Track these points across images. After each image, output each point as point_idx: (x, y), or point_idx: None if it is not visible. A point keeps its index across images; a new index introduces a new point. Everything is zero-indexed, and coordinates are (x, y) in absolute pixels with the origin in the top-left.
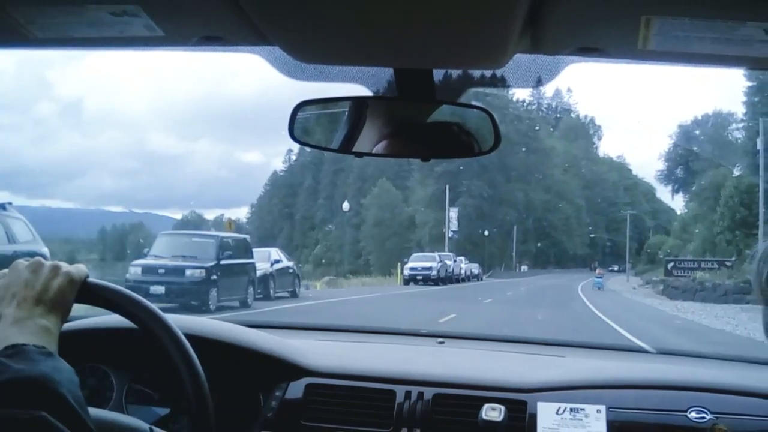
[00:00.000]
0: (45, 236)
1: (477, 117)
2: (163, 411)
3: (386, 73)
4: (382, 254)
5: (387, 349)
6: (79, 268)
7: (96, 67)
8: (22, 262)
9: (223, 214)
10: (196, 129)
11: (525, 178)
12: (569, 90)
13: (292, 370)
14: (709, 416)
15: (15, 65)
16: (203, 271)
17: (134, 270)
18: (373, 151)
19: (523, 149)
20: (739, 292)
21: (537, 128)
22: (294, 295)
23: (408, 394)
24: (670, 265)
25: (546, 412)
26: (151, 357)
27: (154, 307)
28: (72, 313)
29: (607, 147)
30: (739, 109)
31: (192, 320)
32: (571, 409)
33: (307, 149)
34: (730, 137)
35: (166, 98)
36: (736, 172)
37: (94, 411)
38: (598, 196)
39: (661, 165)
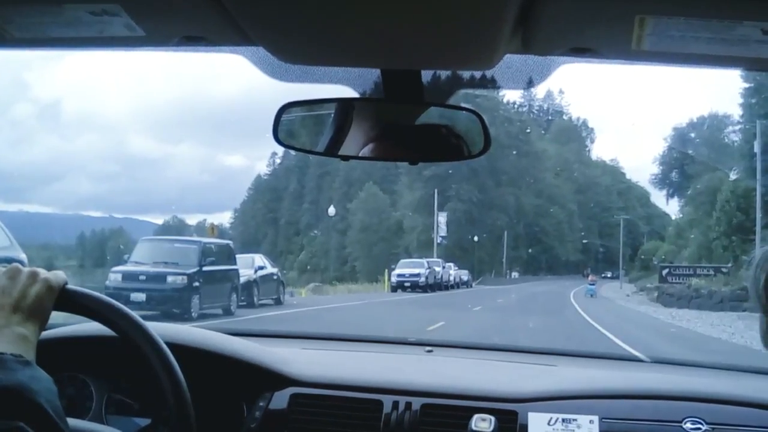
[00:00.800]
0: (22, 242)
1: (466, 119)
2: (144, 421)
3: (373, 74)
4: (369, 260)
5: (374, 358)
6: (58, 275)
7: (75, 68)
8: None
9: (205, 219)
10: (177, 132)
11: (516, 182)
12: (561, 91)
13: (276, 379)
14: (705, 427)
15: None
16: (185, 277)
17: (114, 277)
18: (360, 154)
19: (514, 152)
20: (735, 300)
21: (528, 131)
22: (278, 302)
23: (395, 404)
24: (664, 272)
25: (537, 423)
26: (132, 366)
27: (135, 314)
28: (50, 321)
29: (600, 150)
30: (736, 111)
31: (173, 328)
32: (563, 420)
33: (292, 152)
34: (726, 140)
35: (147, 100)
36: (733, 176)
37: (73, 422)
38: (591, 200)
39: (656, 168)
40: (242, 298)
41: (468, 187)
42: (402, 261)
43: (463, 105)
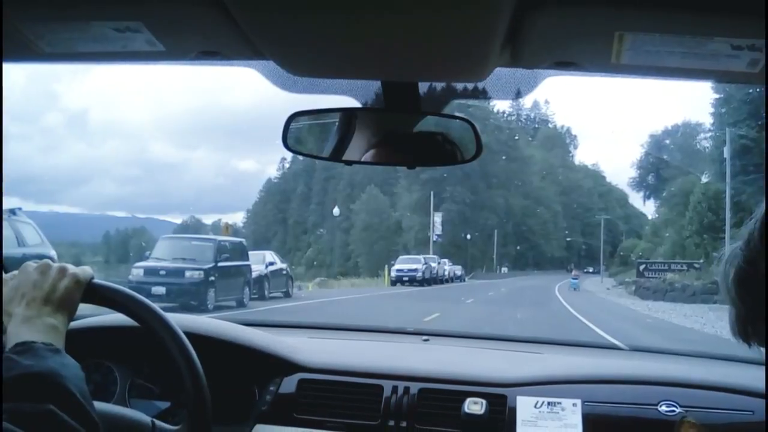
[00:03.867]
0: (53, 240)
1: (460, 127)
2: (164, 405)
3: (374, 86)
4: (370, 257)
5: (375, 347)
6: (85, 270)
7: (100, 80)
8: (31, 264)
9: (220, 219)
10: (194, 138)
11: (505, 185)
12: (547, 102)
13: (285, 366)
14: (678, 410)
15: (24, 79)
16: (202, 272)
17: (136, 272)
18: (362, 159)
19: (504, 158)
20: (707, 293)
21: (516, 138)
22: (287, 295)
23: (395, 388)
24: (641, 267)
25: (525, 406)
26: (153, 354)
27: (156, 306)
28: (78, 312)
29: (583, 155)
30: (707, 120)
31: (191, 319)
32: (549, 403)
33: (300, 158)
34: (698, 146)
35: (166, 109)
36: (704, 179)
37: (99, 405)
38: (574, 201)
39: (634, 172)
40: (254, 291)
41: (461, 190)
42: (401, 257)
43: (456, 114)
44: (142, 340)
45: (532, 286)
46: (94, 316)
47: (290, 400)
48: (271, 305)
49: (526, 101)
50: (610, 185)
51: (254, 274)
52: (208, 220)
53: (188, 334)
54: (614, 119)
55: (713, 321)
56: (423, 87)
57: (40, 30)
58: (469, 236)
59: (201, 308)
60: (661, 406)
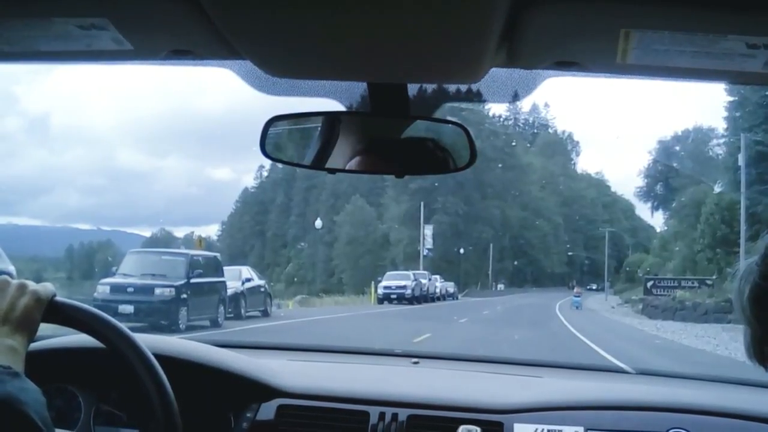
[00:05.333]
0: (11, 254)
1: (452, 132)
2: None
3: (360, 88)
4: (355, 272)
5: (360, 370)
6: (46, 287)
7: (63, 81)
8: None
9: (193, 232)
10: (165, 145)
11: (501, 195)
12: (546, 105)
13: (263, 390)
14: None
15: None
16: (173, 289)
17: (102, 289)
18: (347, 168)
19: (500, 165)
20: (720, 312)
21: (513, 144)
22: (265, 314)
23: (382, 415)
24: (649, 284)
25: None
26: (120, 377)
27: (122, 326)
28: (39, 333)
29: (586, 163)
30: (720, 125)
31: (161, 340)
32: (549, 431)
33: (279, 165)
34: (710, 153)
35: (135, 114)
36: (717, 189)
37: None
38: (576, 213)
39: (641, 181)
40: (229, 310)
41: (454, 200)
42: (388, 273)
43: (449, 118)
44: (108, 363)
45: (530, 304)
46: (56, 336)
47: (269, 427)
48: (247, 325)
49: (524, 104)
50: (615, 195)
51: (230, 292)
52: (179, 233)
53: (158, 357)
54: (620, 124)
55: (727, 342)
56: (412, 89)
57: None
58: (462, 250)
59: (172, 328)
60: None
